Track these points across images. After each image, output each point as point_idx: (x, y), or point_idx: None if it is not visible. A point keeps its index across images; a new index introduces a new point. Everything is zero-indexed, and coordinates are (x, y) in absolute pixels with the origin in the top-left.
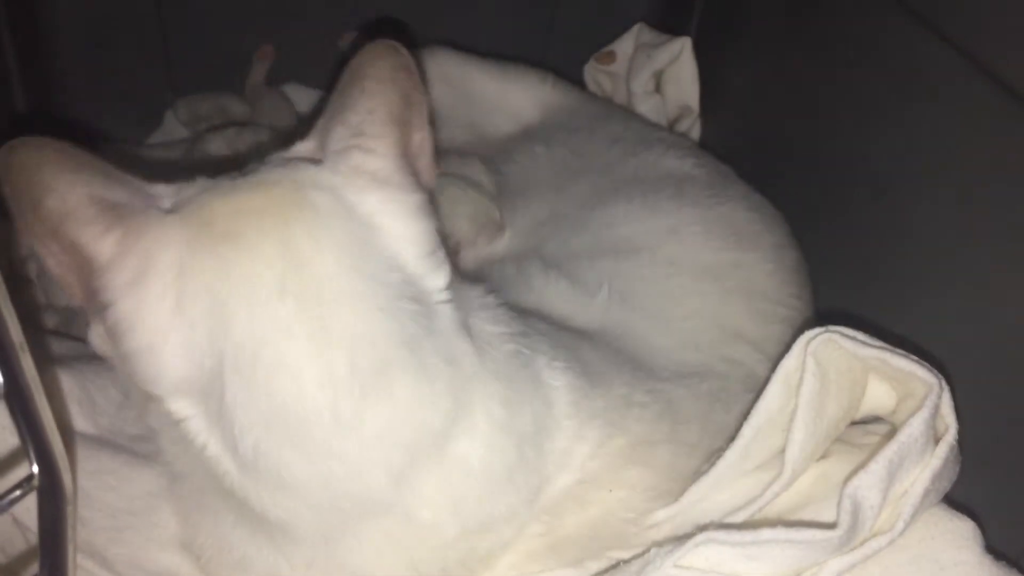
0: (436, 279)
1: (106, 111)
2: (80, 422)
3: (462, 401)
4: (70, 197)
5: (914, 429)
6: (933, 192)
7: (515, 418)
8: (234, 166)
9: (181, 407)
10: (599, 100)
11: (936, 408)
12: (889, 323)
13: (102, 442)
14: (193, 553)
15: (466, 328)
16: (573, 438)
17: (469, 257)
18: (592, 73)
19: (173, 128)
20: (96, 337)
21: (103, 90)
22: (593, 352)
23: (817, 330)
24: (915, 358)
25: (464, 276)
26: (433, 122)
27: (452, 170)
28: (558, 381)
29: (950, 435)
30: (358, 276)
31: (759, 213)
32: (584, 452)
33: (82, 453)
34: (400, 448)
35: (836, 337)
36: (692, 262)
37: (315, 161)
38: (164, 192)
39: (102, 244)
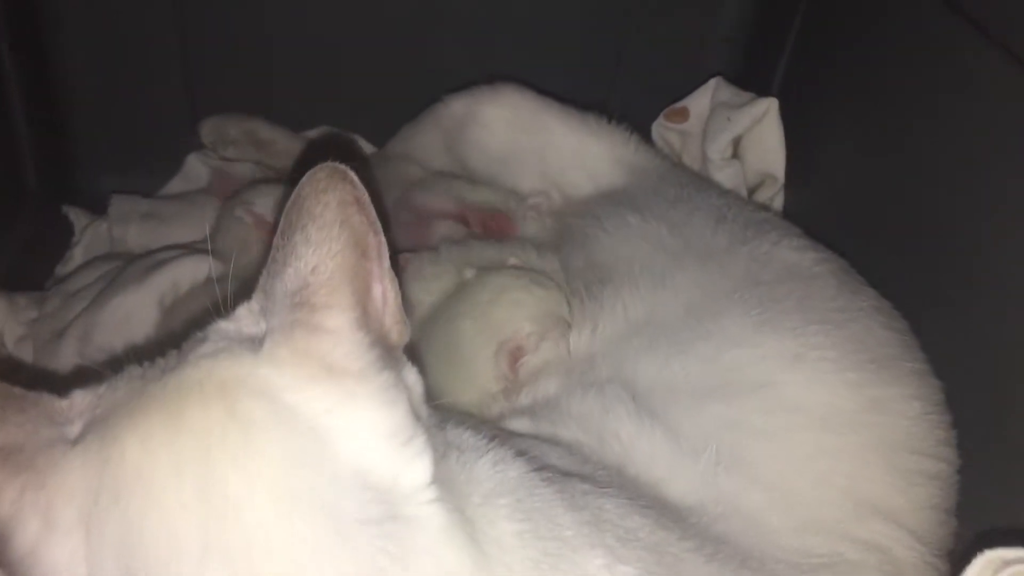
0: (415, 475)
1: (124, 156)
2: None
3: None
4: None
5: None
6: None
7: None
8: None
9: None
10: (686, 168)
11: None
12: None
13: None
14: None
15: (465, 531)
16: None
17: (532, 363)
18: (660, 131)
19: (191, 173)
20: None
21: (122, 132)
22: (682, 545)
23: (1007, 558)
24: None
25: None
26: (395, 266)
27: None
28: None
29: None
30: (300, 511)
31: (896, 331)
32: None
33: None
34: None
35: None
36: (822, 405)
37: (253, 341)
38: (77, 407)
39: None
